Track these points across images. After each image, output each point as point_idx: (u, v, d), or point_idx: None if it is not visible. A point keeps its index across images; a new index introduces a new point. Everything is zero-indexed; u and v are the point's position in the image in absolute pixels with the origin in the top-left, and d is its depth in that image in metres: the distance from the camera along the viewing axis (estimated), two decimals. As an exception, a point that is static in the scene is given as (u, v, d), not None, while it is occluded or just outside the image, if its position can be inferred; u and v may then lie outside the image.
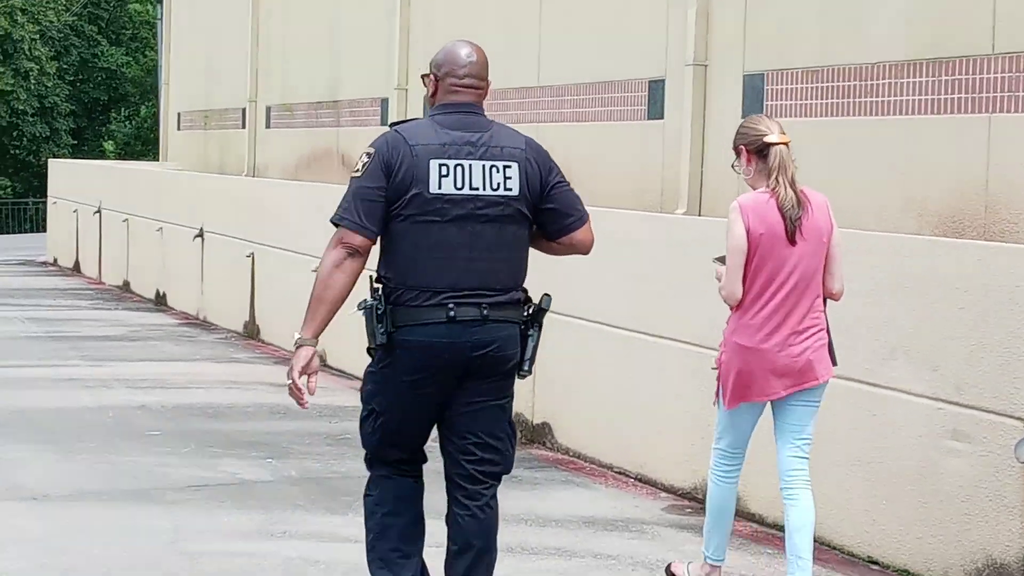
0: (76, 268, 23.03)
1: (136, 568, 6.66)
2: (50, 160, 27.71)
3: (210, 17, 20.94)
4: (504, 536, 6.80)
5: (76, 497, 8.02)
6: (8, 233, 38.62)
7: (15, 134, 40.07)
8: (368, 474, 5.49)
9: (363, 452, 5.51)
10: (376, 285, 5.15)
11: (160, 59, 33.75)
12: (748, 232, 5.81)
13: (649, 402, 8.74)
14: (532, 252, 5.38)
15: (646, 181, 10.40)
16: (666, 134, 10.31)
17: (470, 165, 5.08)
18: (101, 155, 41.80)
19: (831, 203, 6.08)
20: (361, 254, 5.08)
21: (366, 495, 5.45)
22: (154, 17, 36.95)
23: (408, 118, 5.60)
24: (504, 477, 5.47)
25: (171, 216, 18.33)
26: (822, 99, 8.63)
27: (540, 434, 9.76)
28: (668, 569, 6.53)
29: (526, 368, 5.25)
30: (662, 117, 10.46)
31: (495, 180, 5.10)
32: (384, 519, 5.34)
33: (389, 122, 15.29)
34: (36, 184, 42.87)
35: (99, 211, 21.68)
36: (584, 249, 5.44)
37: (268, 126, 19.32)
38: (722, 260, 6.00)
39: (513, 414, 7.71)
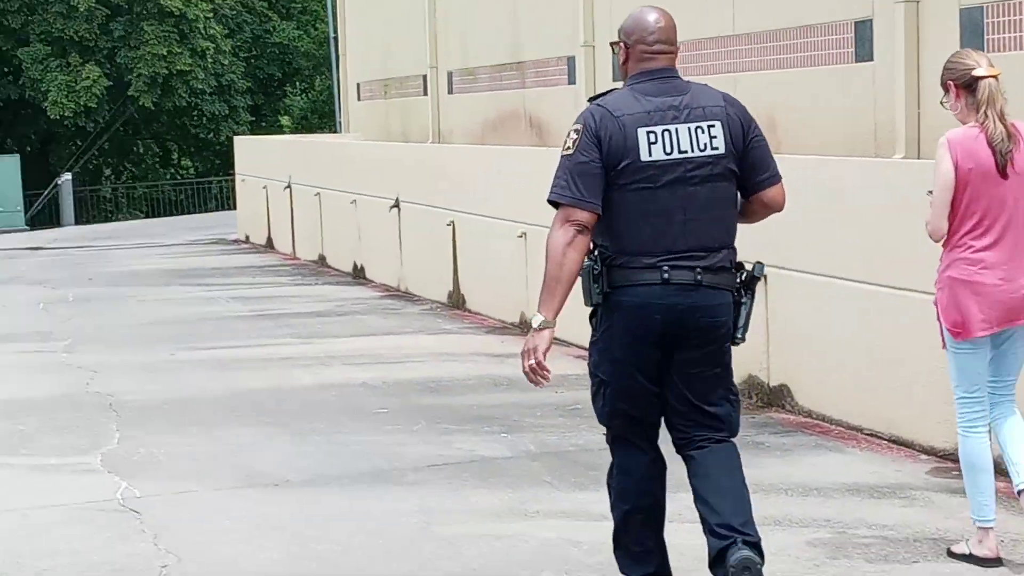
0: (269, 244, 23.09)
1: (392, 554, 6.45)
2: (235, 138, 27.87)
3: (386, -14, 20.88)
4: (764, 507, 6.60)
5: (316, 482, 7.85)
6: (193, 212, 39.11)
7: (194, 114, 40.46)
8: (610, 458, 5.51)
9: (597, 423, 5.55)
10: (594, 253, 5.22)
11: (330, 31, 33.99)
12: (956, 167, 5.75)
13: (897, 358, 8.28)
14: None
15: (856, 126, 10.05)
16: (876, 76, 9.96)
17: (676, 129, 5.13)
18: (279, 130, 42.13)
19: None
20: (588, 228, 5.15)
21: (608, 484, 5.51)
22: (324, -10, 37.13)
23: (604, 91, 5.45)
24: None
25: (364, 188, 18.19)
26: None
27: (778, 396, 9.37)
28: (949, 552, 6.20)
29: (739, 336, 5.26)
30: (871, 59, 10.14)
31: (702, 141, 5.15)
32: (627, 515, 5.42)
33: (573, 81, 15.14)
34: (218, 163, 43.40)
35: (289, 186, 21.67)
36: (777, 207, 5.43)
37: (450, 91, 19.12)
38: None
39: (747, 376, 7.53)
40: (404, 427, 9.13)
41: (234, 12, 40.86)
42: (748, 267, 5.29)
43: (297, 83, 45.06)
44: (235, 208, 28.40)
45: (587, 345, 5.49)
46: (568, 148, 5.18)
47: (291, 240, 21.80)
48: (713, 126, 5.17)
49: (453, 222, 14.91)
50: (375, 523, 6.94)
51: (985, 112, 5.76)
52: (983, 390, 5.99)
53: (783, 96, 10.80)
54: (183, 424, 9.46)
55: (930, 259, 7.57)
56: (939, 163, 5.81)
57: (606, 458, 5.59)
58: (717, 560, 5.19)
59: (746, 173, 5.28)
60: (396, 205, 16.74)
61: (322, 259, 20.04)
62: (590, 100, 5.31)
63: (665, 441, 5.47)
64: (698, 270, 5.11)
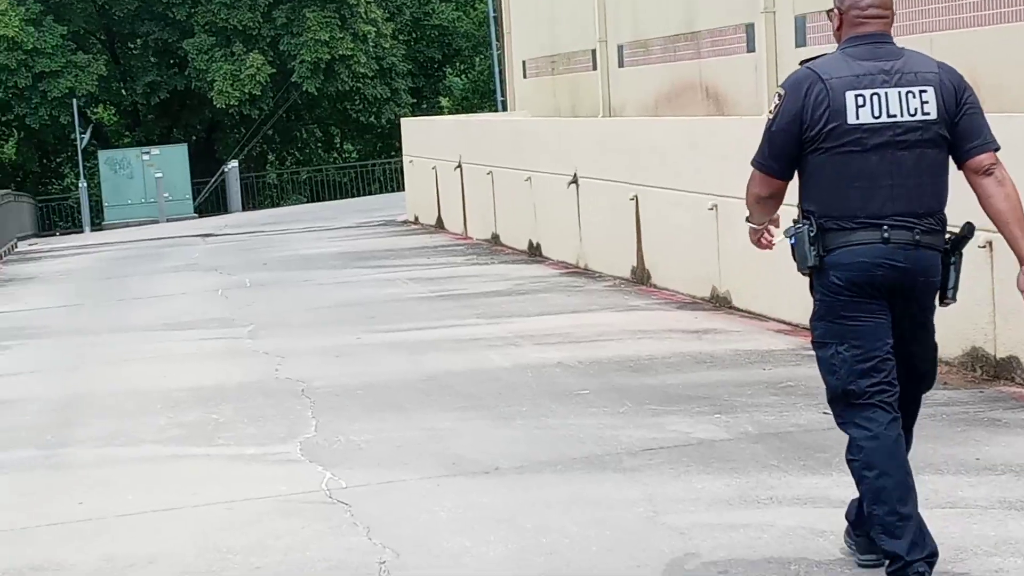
0: (439, 225, 22.84)
1: (623, 546, 6.03)
2: (402, 120, 27.67)
3: (551, -38, 20.51)
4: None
5: (528, 469, 7.45)
6: (356, 196, 39.14)
7: (356, 99, 40.50)
8: (844, 435, 5.34)
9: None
10: (806, 217, 5.23)
11: (489, 11, 33.75)
12: None
13: None
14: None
15: None
16: None
17: (886, 93, 5.09)
18: (439, 112, 42.05)
19: None
20: (775, 196, 5.29)
21: (849, 460, 5.29)
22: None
23: (816, 55, 5.34)
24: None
25: (539, 165, 17.80)
26: None
27: (1007, 369, 8.78)
28: None
29: (950, 296, 5.25)
30: None
31: (912, 106, 5.09)
32: (875, 483, 5.18)
33: (752, 48, 14.59)
34: (380, 146, 43.45)
35: (460, 166, 21.39)
36: (997, 177, 5.19)
37: (621, 65, 18.73)
38: None
39: (971, 348, 8.13)
40: (610, 409, 8.71)
41: (394, -5, 40.87)
42: (957, 229, 5.24)
43: (457, 64, 44.91)
44: (400, 189, 28.30)
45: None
46: (771, 112, 5.24)
47: (463, 220, 21.51)
48: (925, 91, 5.11)
49: (636, 196, 14.45)
50: (600, 513, 6.52)
51: None
52: None
53: (983, 54, 10.34)
54: (379, 409, 9.15)
55: None
56: None
57: (832, 439, 5.56)
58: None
59: (957, 140, 5.19)
60: (574, 181, 16.32)
61: (496, 238, 19.71)
62: (802, 63, 5.28)
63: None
64: (917, 231, 5.10)
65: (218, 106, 37.90)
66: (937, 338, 5.47)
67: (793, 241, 5.24)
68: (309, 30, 37.13)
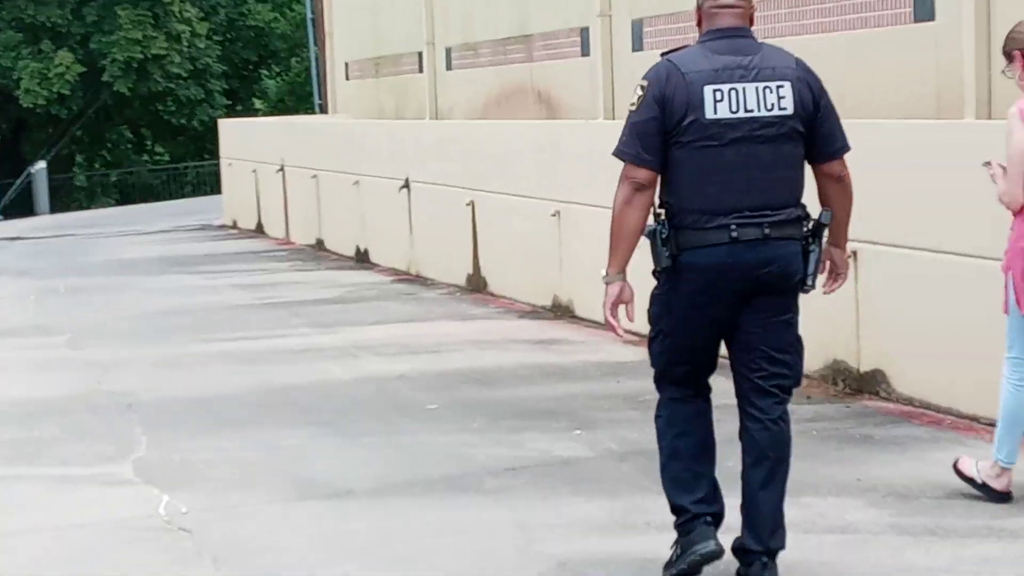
0: (259, 229, 22.16)
1: (500, 579, 5.60)
2: (220, 121, 26.86)
3: (375, -39, 20.08)
4: (917, 516, 5.80)
5: (384, 491, 6.96)
6: (168, 199, 38.11)
7: (169, 100, 39.46)
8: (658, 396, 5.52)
9: None
10: (659, 211, 5.23)
11: (307, 12, 33.10)
12: None
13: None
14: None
15: (915, 89, 9.53)
16: (939, 36, 9.37)
17: (743, 88, 5.10)
18: (254, 114, 41.19)
19: None
20: (648, 187, 5.18)
21: (656, 416, 5.51)
22: (301, -30, 36.23)
23: (677, 47, 5.36)
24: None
25: (368, 168, 17.29)
26: None
27: (870, 383, 8.54)
28: (955, 465, 6.40)
29: (809, 283, 5.28)
30: (932, 18, 9.55)
31: (769, 101, 5.10)
32: (675, 441, 5.40)
33: (587, 53, 14.30)
34: (193, 148, 42.40)
35: (282, 169, 20.77)
36: (845, 183, 5.38)
37: (449, 68, 18.32)
38: (989, 164, 6.08)
39: (832, 361, 8.01)
40: (462, 425, 8.28)
41: (209, -6, 39.96)
42: (815, 217, 5.30)
43: (273, 66, 44.08)
44: (212, 193, 27.55)
45: (640, 332, 5.55)
46: (633, 104, 5.20)
47: (285, 224, 20.89)
48: (782, 86, 5.12)
49: (473, 201, 14.03)
50: (470, 541, 6.08)
51: None
52: None
53: (829, 60, 10.14)
54: (216, 426, 8.59)
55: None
56: (1011, 133, 5.87)
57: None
58: (740, 554, 5.28)
59: (815, 141, 5.24)
60: (406, 185, 15.86)
61: (320, 243, 19.15)
62: (662, 55, 5.28)
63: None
64: (765, 225, 5.11)
65: (25, 105, 36.58)
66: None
67: (648, 239, 5.26)
68: (121, 28, 35.98)
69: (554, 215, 12.17)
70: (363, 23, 21.25)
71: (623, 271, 5.25)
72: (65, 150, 41.34)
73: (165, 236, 23.24)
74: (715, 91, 5.08)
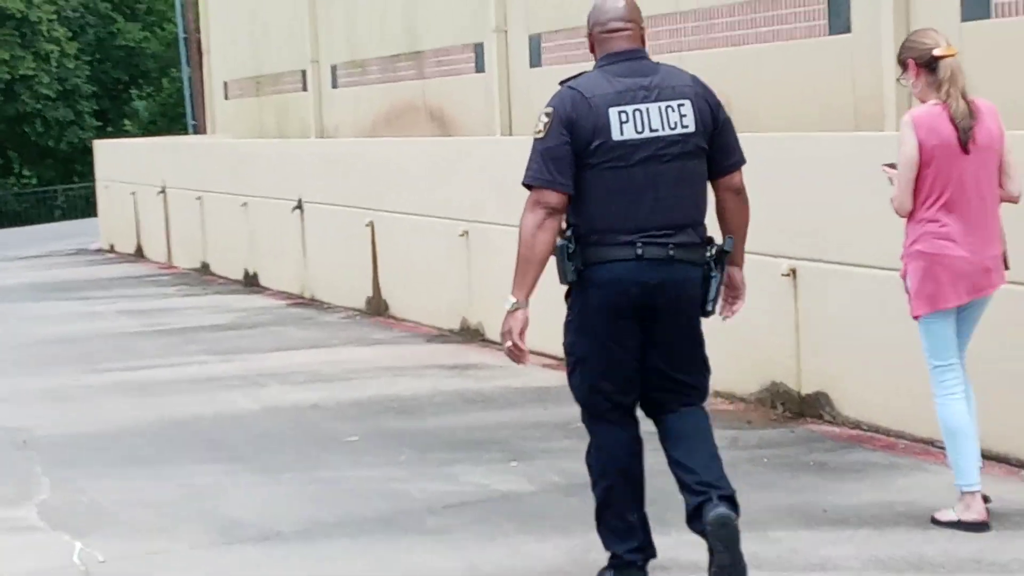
0: (139, 253, 21.49)
1: (459, 631, 5.13)
2: (96, 142, 26.03)
3: (254, -22, 19.60)
4: (895, 549, 5.48)
5: (315, 533, 6.45)
6: (37, 224, 37.06)
7: (36, 121, 38.43)
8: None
9: None
10: (566, 231, 5.24)
11: (179, 31, 32.36)
12: (921, 145, 5.90)
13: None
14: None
15: (830, 101, 9.49)
16: (855, 49, 9.33)
17: (647, 108, 5.17)
18: (125, 135, 40.24)
19: None
20: (559, 211, 5.19)
21: (587, 456, 5.48)
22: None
23: (575, 74, 5.38)
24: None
25: (256, 189, 16.72)
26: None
27: (812, 406, 8.20)
28: (933, 520, 6.09)
29: (710, 308, 5.32)
30: (849, 31, 9.51)
31: (672, 119, 5.19)
32: (606, 493, 5.40)
33: (482, 69, 13.91)
34: (62, 171, 41.32)
35: (163, 191, 20.12)
36: (744, 195, 5.44)
37: (335, 86, 17.90)
38: (892, 165, 6.11)
39: (770, 384, 8.09)
40: (388, 458, 7.79)
41: (77, 13, 38.95)
42: (718, 243, 5.37)
43: (144, 86, 43.15)
44: (83, 217, 26.72)
45: (557, 354, 5.55)
46: (539, 131, 5.22)
47: (167, 248, 20.26)
48: (683, 105, 5.21)
49: (372, 222, 13.54)
50: (418, 587, 5.61)
51: (947, 91, 5.92)
52: (955, 357, 6.08)
53: (738, 74, 10.22)
54: (121, 463, 8.03)
55: None
56: (903, 140, 5.95)
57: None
58: (695, 515, 5.20)
59: (715, 155, 5.32)
60: (299, 206, 15.32)
61: (205, 267, 18.55)
62: (562, 83, 5.31)
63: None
64: (670, 246, 5.16)
65: None
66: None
67: (556, 255, 5.25)
68: (-13, 48, 35.10)
69: (462, 235, 11.73)
70: (243, 41, 20.73)
71: (528, 299, 5.20)
72: (-73, 173, 40.13)
73: (39, 261, 22.47)
74: (620, 112, 5.14)
